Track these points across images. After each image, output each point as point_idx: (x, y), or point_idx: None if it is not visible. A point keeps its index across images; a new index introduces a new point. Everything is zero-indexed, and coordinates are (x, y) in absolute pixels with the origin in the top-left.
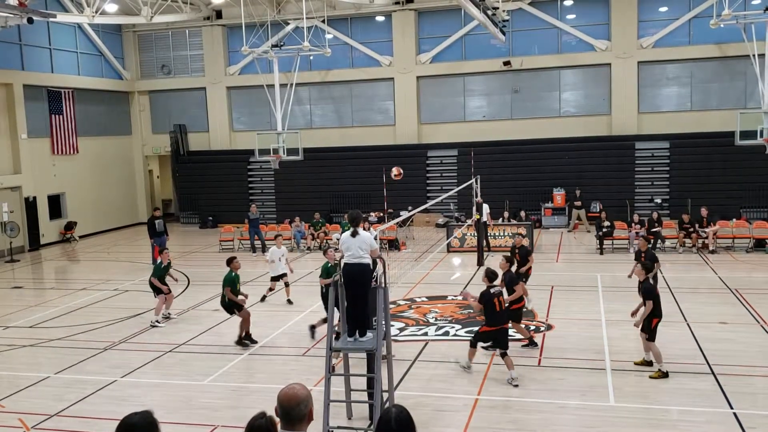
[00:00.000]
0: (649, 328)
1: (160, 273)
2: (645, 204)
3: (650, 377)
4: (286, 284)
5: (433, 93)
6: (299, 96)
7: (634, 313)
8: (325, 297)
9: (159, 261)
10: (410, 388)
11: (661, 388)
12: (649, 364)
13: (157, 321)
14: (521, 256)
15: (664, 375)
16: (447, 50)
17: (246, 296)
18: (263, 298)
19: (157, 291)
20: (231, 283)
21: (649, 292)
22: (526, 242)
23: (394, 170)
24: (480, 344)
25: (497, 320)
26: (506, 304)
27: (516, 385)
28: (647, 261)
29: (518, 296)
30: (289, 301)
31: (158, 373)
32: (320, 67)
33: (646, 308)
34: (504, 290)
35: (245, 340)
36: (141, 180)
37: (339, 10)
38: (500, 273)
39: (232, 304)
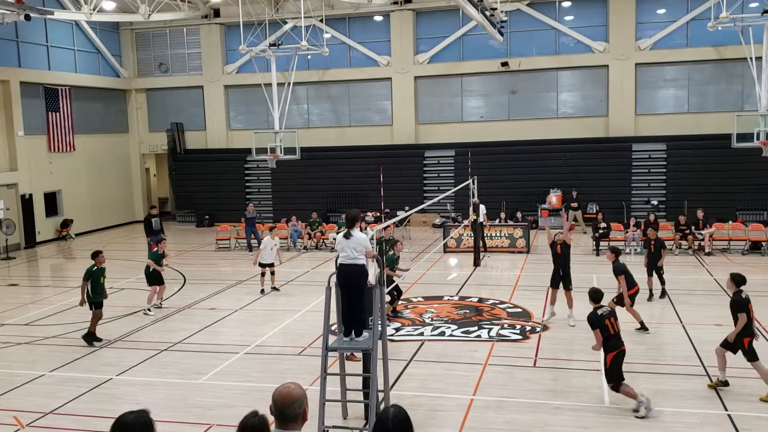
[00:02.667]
0: (742, 346)
1: (157, 258)
2: (641, 206)
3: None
4: (272, 273)
5: (431, 93)
6: (297, 95)
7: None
8: None
9: (156, 249)
10: (406, 388)
11: (656, 389)
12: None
13: (148, 309)
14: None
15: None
16: (445, 50)
17: (106, 296)
18: (262, 291)
19: (150, 280)
20: (90, 276)
21: (738, 305)
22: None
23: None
24: None
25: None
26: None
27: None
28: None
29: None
30: (275, 288)
31: (153, 372)
32: (318, 66)
33: (739, 322)
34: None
35: (89, 337)
36: (137, 178)
37: (337, 9)
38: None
39: (91, 298)
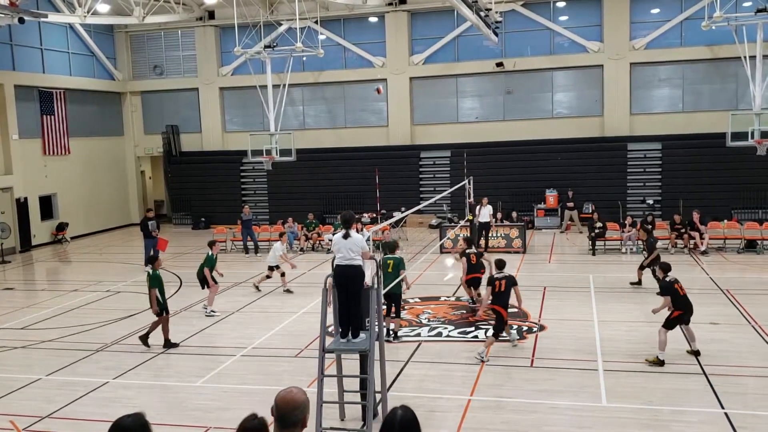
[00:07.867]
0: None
1: (213, 264)
2: (637, 205)
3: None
4: (282, 274)
5: (426, 94)
6: (292, 97)
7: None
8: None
9: (211, 253)
10: (403, 389)
11: (653, 388)
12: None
13: (212, 311)
14: None
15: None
16: (440, 51)
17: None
18: (284, 289)
19: (204, 283)
20: (157, 282)
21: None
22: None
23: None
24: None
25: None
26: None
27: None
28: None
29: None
30: (288, 291)
31: (150, 375)
32: (313, 67)
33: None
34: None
35: (167, 344)
36: (133, 181)
37: (332, 11)
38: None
39: (160, 304)
